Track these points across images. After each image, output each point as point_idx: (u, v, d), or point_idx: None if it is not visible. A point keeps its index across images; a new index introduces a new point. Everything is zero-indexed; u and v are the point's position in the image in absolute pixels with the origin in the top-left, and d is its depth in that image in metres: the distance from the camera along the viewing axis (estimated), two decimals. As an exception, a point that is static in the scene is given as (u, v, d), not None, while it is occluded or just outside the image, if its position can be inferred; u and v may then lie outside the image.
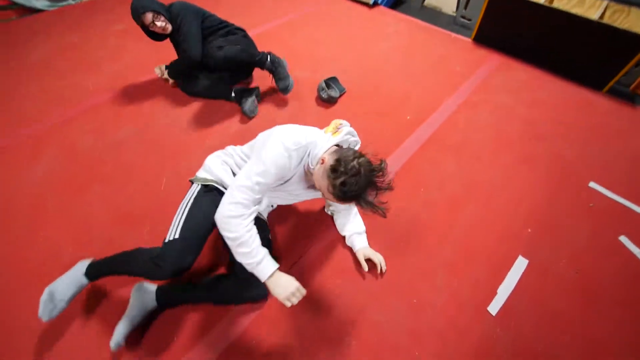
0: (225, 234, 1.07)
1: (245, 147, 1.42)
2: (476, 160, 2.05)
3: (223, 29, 2.19)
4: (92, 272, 1.27)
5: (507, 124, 2.31)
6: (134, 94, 2.39)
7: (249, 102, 2.22)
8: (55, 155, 1.98)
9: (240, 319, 1.35)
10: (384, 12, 3.50)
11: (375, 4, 3.50)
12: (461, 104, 2.44)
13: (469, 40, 3.12)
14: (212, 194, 1.28)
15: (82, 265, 1.30)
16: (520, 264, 1.56)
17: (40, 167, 1.92)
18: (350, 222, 1.56)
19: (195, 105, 2.32)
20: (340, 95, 2.43)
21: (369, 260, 1.51)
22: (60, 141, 2.06)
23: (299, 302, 1.10)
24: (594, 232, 1.71)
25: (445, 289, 1.48)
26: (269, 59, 2.22)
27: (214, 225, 1.19)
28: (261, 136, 1.32)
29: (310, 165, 1.18)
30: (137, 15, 1.92)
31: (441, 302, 1.44)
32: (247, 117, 2.23)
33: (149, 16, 1.92)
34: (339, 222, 1.60)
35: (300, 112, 2.32)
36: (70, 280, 1.25)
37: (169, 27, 2.02)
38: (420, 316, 1.40)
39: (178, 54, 2.28)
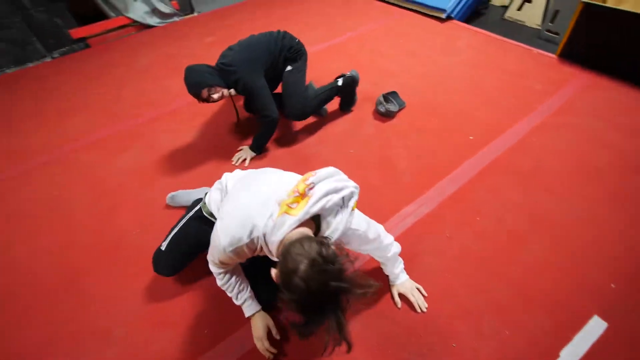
0: None
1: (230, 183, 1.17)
2: (549, 191, 1.66)
3: (284, 63, 1.94)
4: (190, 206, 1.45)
5: (593, 152, 1.85)
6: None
7: None
8: (139, 149, 2.12)
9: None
10: (457, 26, 3.14)
11: (448, 18, 3.16)
12: (537, 126, 2.03)
13: (554, 56, 2.62)
14: (204, 221, 1.25)
15: (197, 195, 1.59)
16: (596, 327, 1.19)
17: (125, 158, 2.05)
18: (389, 261, 1.24)
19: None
20: (399, 110, 2.20)
21: (403, 297, 1.28)
22: (144, 137, 2.20)
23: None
24: None
25: (492, 337, 1.19)
26: (341, 90, 2.10)
27: (199, 248, 1.28)
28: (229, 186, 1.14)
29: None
30: (193, 93, 1.72)
31: (486, 353, 1.15)
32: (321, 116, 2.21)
33: (204, 93, 1.71)
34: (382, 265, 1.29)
35: (357, 124, 2.15)
36: (187, 198, 1.66)
37: (226, 92, 1.78)
38: (459, 365, 1.13)
39: (247, 100, 2.15)
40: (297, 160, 1.94)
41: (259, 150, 1.97)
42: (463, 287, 1.33)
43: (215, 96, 1.74)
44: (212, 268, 1.07)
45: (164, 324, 1.29)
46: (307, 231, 0.84)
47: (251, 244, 0.89)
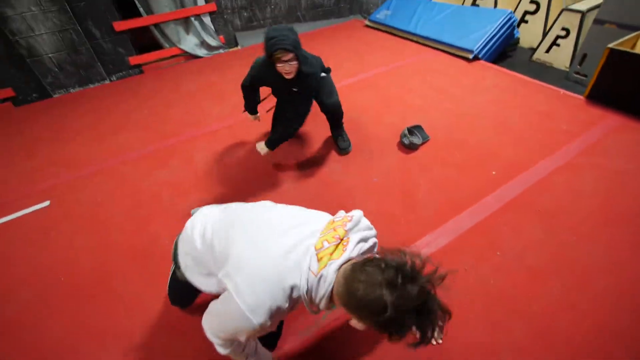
0: None
1: (199, 244, 0.97)
2: (572, 232, 1.60)
3: None
4: None
5: (621, 195, 1.78)
6: (245, 123, 2.61)
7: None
8: (176, 165, 2.27)
9: None
10: (484, 66, 3.19)
11: (475, 58, 3.23)
12: (562, 166, 1.99)
13: (582, 97, 2.59)
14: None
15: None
16: (622, 378, 1.11)
17: (164, 173, 2.21)
18: None
19: (296, 142, 2.37)
20: (423, 143, 2.24)
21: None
22: (183, 154, 2.36)
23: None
24: None
25: (508, 378, 1.13)
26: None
27: (194, 293, 1.26)
28: (221, 242, 0.90)
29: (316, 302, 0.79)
30: (279, 45, 1.45)
31: (500, 395, 1.10)
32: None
33: (289, 56, 1.49)
34: None
35: (380, 155, 2.21)
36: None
37: (292, 75, 1.62)
38: (471, 404, 1.08)
39: (277, 114, 2.17)
40: (320, 185, 2.01)
41: (274, 146, 1.90)
42: (479, 322, 1.29)
43: (288, 67, 1.53)
44: (213, 339, 0.88)
45: (183, 333, 1.34)
46: (347, 264, 0.76)
47: (286, 306, 0.79)
